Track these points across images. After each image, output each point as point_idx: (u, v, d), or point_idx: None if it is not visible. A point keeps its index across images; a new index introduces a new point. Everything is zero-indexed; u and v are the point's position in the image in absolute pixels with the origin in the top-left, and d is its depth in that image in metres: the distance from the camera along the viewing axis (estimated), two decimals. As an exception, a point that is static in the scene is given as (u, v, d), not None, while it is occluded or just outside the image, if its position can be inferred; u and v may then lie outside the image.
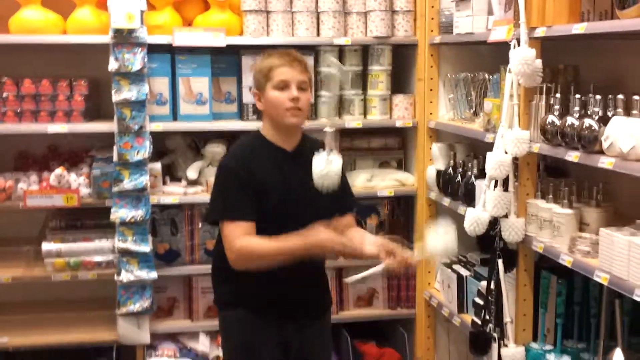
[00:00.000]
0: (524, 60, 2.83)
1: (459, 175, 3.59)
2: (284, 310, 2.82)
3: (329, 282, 3.06)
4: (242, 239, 2.68)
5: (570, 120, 2.64)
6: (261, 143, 2.80)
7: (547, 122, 2.77)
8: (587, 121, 2.55)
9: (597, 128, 2.51)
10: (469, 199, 3.39)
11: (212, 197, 2.84)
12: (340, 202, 2.89)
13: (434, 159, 3.91)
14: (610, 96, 2.56)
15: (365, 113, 4.08)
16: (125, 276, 3.78)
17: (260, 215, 2.71)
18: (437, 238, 2.70)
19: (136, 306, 3.82)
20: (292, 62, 2.74)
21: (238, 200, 2.70)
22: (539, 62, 2.87)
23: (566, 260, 2.69)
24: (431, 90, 3.96)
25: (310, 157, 2.75)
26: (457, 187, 3.57)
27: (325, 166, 2.68)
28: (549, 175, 3.27)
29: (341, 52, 4.04)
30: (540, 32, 2.83)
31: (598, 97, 2.58)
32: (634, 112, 2.40)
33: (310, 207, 2.75)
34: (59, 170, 3.81)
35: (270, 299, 2.79)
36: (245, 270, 2.72)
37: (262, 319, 2.81)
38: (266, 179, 2.73)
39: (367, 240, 2.74)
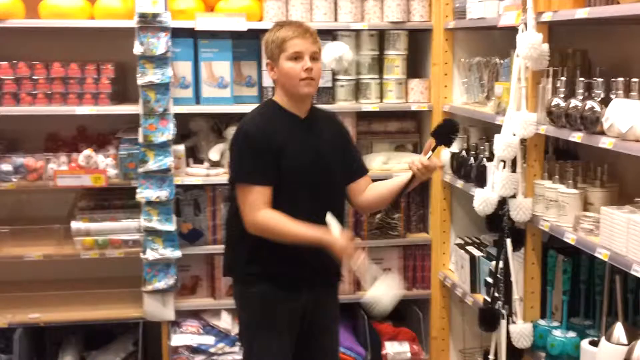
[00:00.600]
0: (531, 44, 2.91)
1: (472, 157, 3.67)
2: (301, 276, 2.92)
3: None
4: (265, 211, 2.80)
5: (574, 102, 2.71)
6: (276, 110, 2.92)
7: (552, 104, 2.84)
8: (590, 103, 2.63)
9: (598, 110, 2.58)
10: (481, 181, 3.46)
11: (231, 160, 2.96)
12: (352, 165, 3.03)
13: (448, 142, 3.99)
14: (612, 79, 2.62)
15: (381, 97, 4.17)
16: (150, 254, 3.92)
17: (279, 178, 2.83)
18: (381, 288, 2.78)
19: (161, 284, 3.96)
20: (304, 33, 2.86)
21: (256, 164, 2.82)
22: (545, 46, 2.94)
23: (570, 238, 2.77)
24: (446, 74, 4.04)
25: (321, 123, 2.92)
26: (469, 170, 3.65)
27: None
28: (559, 157, 3.34)
29: (358, 37, 4.13)
30: (547, 16, 2.91)
31: (600, 80, 2.65)
32: (633, 94, 2.47)
33: (324, 171, 2.89)
34: (87, 151, 3.95)
35: (287, 267, 2.89)
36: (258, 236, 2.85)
37: (280, 290, 2.91)
38: (283, 143, 2.84)
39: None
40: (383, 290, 2.75)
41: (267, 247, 2.85)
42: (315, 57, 2.87)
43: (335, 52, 2.94)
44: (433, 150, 2.81)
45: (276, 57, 2.87)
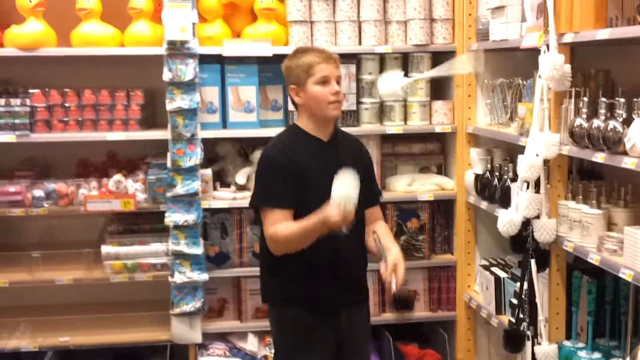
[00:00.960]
0: (552, 66, 2.93)
1: (496, 179, 3.68)
2: (333, 297, 2.96)
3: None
4: (276, 226, 2.87)
5: (596, 122, 2.72)
6: (300, 134, 3.00)
7: (575, 125, 2.86)
8: (612, 123, 2.64)
9: (621, 130, 2.59)
10: (505, 202, 3.47)
11: (255, 184, 3.03)
12: (369, 191, 3.06)
13: (472, 164, 4.01)
14: (635, 99, 2.63)
15: (405, 119, 4.21)
16: (178, 277, 3.97)
17: (301, 201, 2.89)
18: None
19: (189, 306, 4.00)
20: (329, 58, 2.96)
21: (278, 188, 2.90)
22: (567, 67, 2.96)
23: (594, 258, 2.77)
24: (469, 96, 4.07)
25: (344, 146, 3.00)
26: (494, 191, 3.66)
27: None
28: (583, 178, 3.34)
29: (382, 60, 4.18)
30: (569, 37, 2.93)
31: (622, 100, 2.66)
32: (654, 114, 2.48)
33: None
34: (117, 177, 4.03)
35: (319, 289, 2.94)
36: (286, 255, 2.90)
37: (314, 313, 2.96)
38: (306, 166, 2.92)
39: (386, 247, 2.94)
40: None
41: (299, 270, 2.91)
42: (339, 82, 2.97)
43: (394, 83, 2.98)
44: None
45: (303, 82, 2.94)
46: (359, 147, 3.18)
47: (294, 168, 2.90)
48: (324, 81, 2.93)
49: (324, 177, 2.89)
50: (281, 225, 2.88)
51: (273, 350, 3.27)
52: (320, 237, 2.83)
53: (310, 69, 2.93)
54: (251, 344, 4.15)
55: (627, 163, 2.52)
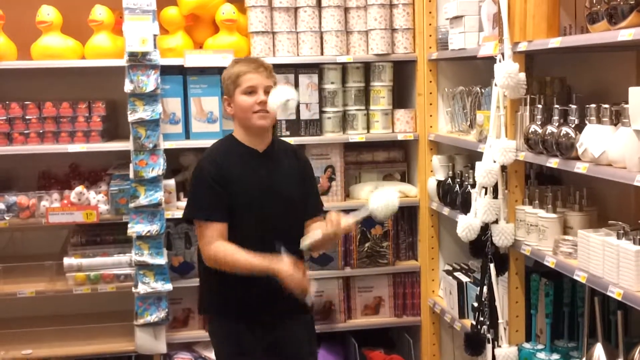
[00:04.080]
0: (507, 74, 2.99)
1: (457, 185, 3.73)
2: (271, 311, 2.95)
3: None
4: (217, 243, 2.88)
5: (550, 129, 2.79)
6: (233, 145, 3.00)
7: (530, 131, 2.92)
8: (565, 129, 2.70)
9: (573, 135, 2.66)
10: (466, 207, 3.51)
11: (188, 196, 3.05)
12: (309, 200, 3.07)
13: (434, 171, 4.07)
14: (587, 106, 2.70)
15: (368, 127, 4.25)
16: (142, 288, 3.95)
17: (234, 212, 2.90)
18: (380, 196, 2.87)
19: (153, 317, 3.98)
20: (258, 68, 2.95)
21: (211, 200, 2.90)
22: (522, 75, 3.03)
23: (550, 261, 2.83)
24: (431, 104, 4.13)
25: (280, 157, 2.98)
26: (455, 197, 3.71)
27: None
28: (543, 183, 3.41)
29: (344, 70, 4.22)
30: (522, 46, 2.99)
31: (574, 106, 2.73)
32: (605, 119, 2.54)
33: (278, 205, 2.94)
34: (79, 188, 4.01)
35: (256, 303, 2.93)
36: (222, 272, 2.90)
37: (248, 326, 2.95)
38: (238, 177, 2.92)
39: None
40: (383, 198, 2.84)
41: (234, 283, 2.88)
42: (269, 91, 2.94)
43: (280, 97, 2.97)
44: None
45: (232, 93, 2.96)
46: (299, 158, 3.15)
47: (223, 178, 2.90)
48: (251, 91, 2.92)
49: (253, 187, 2.92)
50: (222, 248, 2.87)
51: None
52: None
53: (238, 79, 2.94)
54: (217, 354, 4.15)
55: (579, 168, 2.58)
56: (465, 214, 3.37)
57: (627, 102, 2.39)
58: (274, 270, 2.79)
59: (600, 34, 2.47)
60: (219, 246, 2.88)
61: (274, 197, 2.94)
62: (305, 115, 4.14)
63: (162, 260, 3.96)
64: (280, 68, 4.01)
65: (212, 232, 2.89)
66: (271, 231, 2.93)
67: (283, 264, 2.78)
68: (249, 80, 2.92)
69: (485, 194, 3.20)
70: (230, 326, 2.97)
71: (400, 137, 4.20)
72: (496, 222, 3.17)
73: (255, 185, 2.93)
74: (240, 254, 2.85)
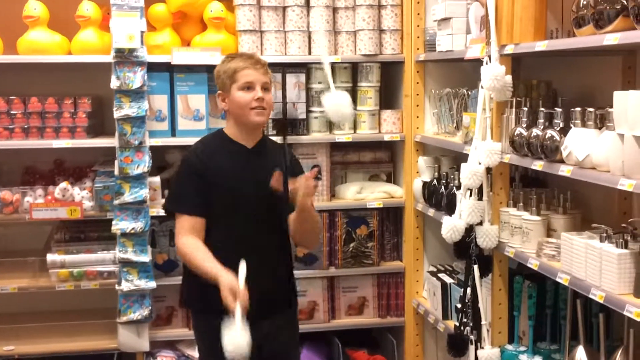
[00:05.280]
0: (494, 76, 3.00)
1: (443, 186, 3.74)
2: (251, 307, 2.84)
3: (294, 281, 3.16)
4: (185, 237, 2.86)
5: (535, 131, 2.80)
6: (222, 139, 2.98)
7: (515, 134, 2.93)
8: (550, 132, 2.72)
9: (558, 139, 2.67)
10: (452, 209, 3.51)
11: (170, 187, 3.04)
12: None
13: (420, 172, 4.07)
14: (572, 109, 2.71)
15: (355, 128, 4.25)
16: (125, 285, 3.94)
17: (215, 207, 2.88)
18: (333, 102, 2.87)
19: (136, 314, 3.97)
20: (255, 64, 2.93)
21: (190, 193, 2.88)
22: (508, 78, 3.04)
23: (533, 264, 2.84)
24: (417, 105, 4.13)
25: (269, 154, 2.95)
26: (440, 198, 3.72)
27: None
28: (528, 185, 3.42)
29: (331, 70, 4.20)
30: (509, 49, 3.00)
31: (559, 110, 2.74)
32: (589, 123, 2.56)
33: (263, 200, 2.90)
34: (63, 184, 3.99)
35: None
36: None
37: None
38: (221, 172, 2.89)
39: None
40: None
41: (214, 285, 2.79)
42: (266, 88, 2.93)
43: (338, 106, 2.92)
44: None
45: (228, 88, 2.93)
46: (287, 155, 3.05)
47: (206, 172, 2.88)
48: (248, 87, 2.89)
49: (238, 182, 2.90)
50: (187, 243, 2.84)
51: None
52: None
53: (235, 74, 2.90)
54: (200, 352, 4.14)
55: (564, 171, 2.59)
56: (450, 216, 3.38)
57: (612, 107, 2.40)
58: (219, 281, 2.70)
59: (586, 38, 2.49)
60: (186, 240, 2.86)
61: (258, 192, 2.90)
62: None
63: (146, 258, 3.95)
64: (268, 67, 3.99)
65: (182, 224, 2.88)
66: (255, 225, 2.91)
67: (227, 278, 2.68)
68: (246, 76, 2.89)
69: (470, 195, 3.21)
70: (211, 321, 2.93)
71: (386, 137, 4.21)
72: (480, 223, 3.19)
73: (237, 179, 2.90)
74: (199, 253, 2.82)
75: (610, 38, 2.31)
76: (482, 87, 3.10)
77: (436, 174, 3.88)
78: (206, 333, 2.98)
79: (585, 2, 2.49)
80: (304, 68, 4.16)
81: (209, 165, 2.90)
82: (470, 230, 3.23)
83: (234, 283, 2.65)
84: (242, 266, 2.70)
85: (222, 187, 2.89)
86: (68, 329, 4.16)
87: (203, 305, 2.97)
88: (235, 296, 2.63)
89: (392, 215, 4.31)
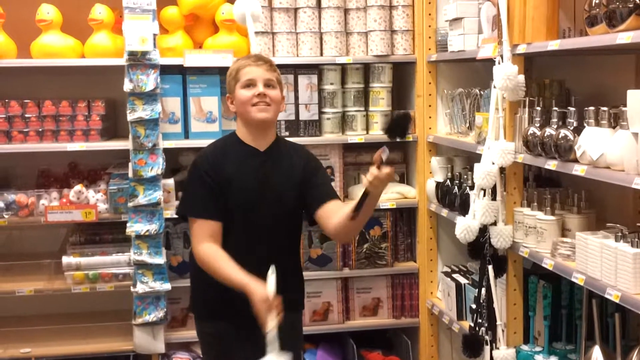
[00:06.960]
0: (506, 76, 3.00)
1: (456, 187, 3.73)
2: (253, 311, 2.75)
3: (303, 284, 3.10)
4: (206, 245, 2.80)
5: (548, 131, 2.79)
6: (233, 142, 2.92)
7: (528, 134, 2.92)
8: (563, 132, 2.71)
9: (571, 138, 2.66)
10: (465, 209, 3.51)
11: (182, 192, 2.99)
12: (313, 192, 2.91)
13: (433, 172, 4.07)
14: (586, 108, 2.70)
15: (367, 128, 4.25)
16: (140, 287, 3.96)
17: (227, 211, 2.83)
18: None
19: (151, 316, 3.99)
20: (257, 61, 2.88)
21: (204, 198, 2.83)
22: (521, 77, 3.03)
23: (548, 263, 2.83)
24: (430, 105, 4.13)
25: (282, 157, 2.89)
26: (454, 198, 3.71)
27: None
28: (542, 185, 3.41)
29: (343, 71, 4.22)
30: (521, 49, 3.00)
31: (573, 109, 2.73)
32: (603, 122, 2.55)
33: (274, 204, 2.86)
34: (78, 187, 4.01)
35: (242, 305, 2.71)
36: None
37: (237, 329, 2.87)
38: (233, 175, 2.83)
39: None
40: None
41: (218, 282, 2.78)
42: (270, 85, 2.86)
43: (242, 8, 2.94)
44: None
45: (233, 89, 2.90)
46: (302, 156, 3.00)
47: (218, 176, 2.83)
48: (249, 84, 2.84)
49: (249, 186, 2.84)
50: (210, 252, 2.79)
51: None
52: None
53: (237, 74, 2.87)
54: (215, 354, 4.15)
55: (578, 170, 2.59)
56: (464, 216, 3.38)
57: (625, 105, 2.39)
58: (249, 290, 2.65)
59: (599, 37, 2.48)
60: (207, 249, 2.80)
61: (269, 196, 2.86)
62: (304, 115, 4.15)
63: (160, 260, 3.96)
64: (280, 68, 3.89)
65: (201, 231, 2.82)
66: (266, 229, 2.86)
67: (259, 289, 2.63)
68: (247, 73, 2.85)
69: (484, 195, 3.20)
70: (214, 327, 2.92)
71: (399, 138, 4.19)
72: (494, 223, 3.18)
73: (249, 183, 2.85)
74: (225, 263, 2.75)
75: (623, 37, 2.30)
76: (494, 86, 3.10)
77: (449, 174, 3.88)
78: (210, 339, 2.96)
79: (597, 1, 2.48)
80: (316, 69, 4.17)
81: (220, 168, 2.85)
82: (484, 230, 3.22)
83: (267, 294, 2.59)
84: (272, 275, 2.62)
85: (233, 191, 2.84)
86: (84, 331, 4.18)
87: (208, 310, 2.95)
88: (269, 308, 2.58)
89: (405, 215, 4.31)
